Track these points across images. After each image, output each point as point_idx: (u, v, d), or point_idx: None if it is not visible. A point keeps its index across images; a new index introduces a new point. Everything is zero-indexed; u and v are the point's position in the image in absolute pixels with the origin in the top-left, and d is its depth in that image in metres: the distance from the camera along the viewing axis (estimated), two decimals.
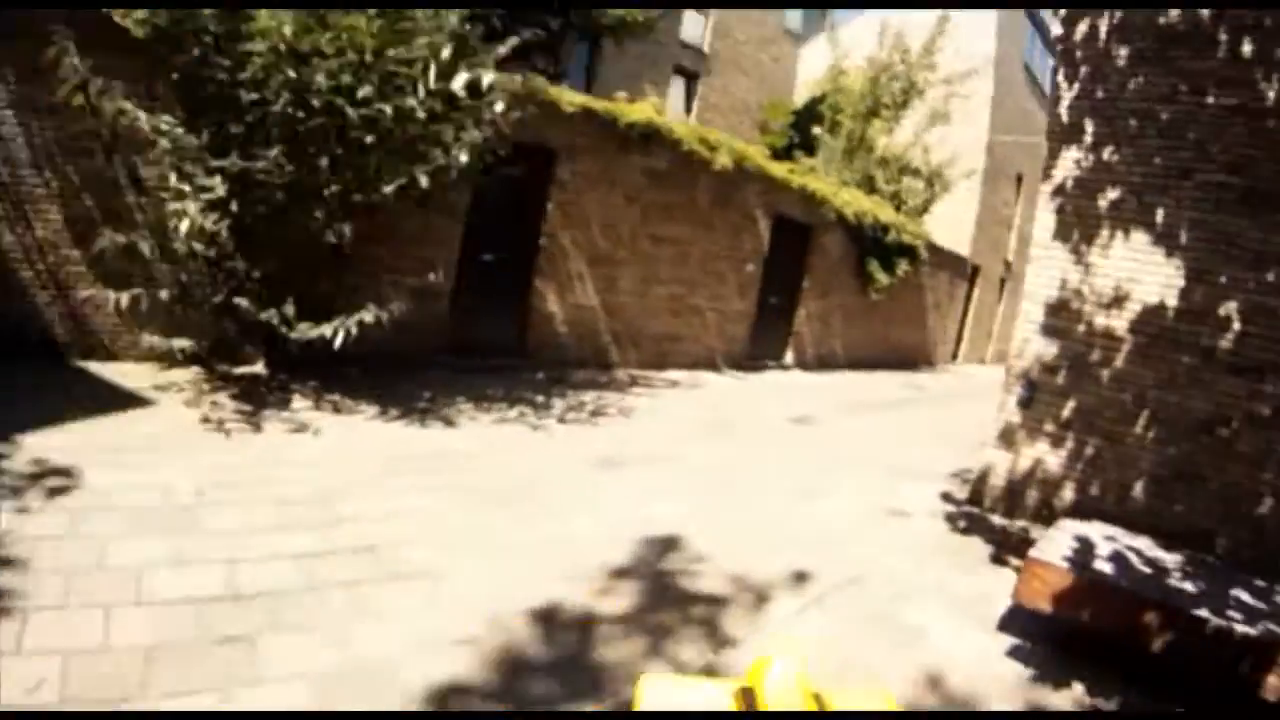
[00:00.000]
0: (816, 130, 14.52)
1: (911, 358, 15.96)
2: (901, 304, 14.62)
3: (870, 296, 13.19)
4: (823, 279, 12.15)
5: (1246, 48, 4.60)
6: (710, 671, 2.82)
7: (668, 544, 3.90)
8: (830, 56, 14.79)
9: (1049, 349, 5.31)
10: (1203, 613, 3.01)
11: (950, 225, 16.94)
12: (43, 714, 2.01)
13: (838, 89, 14.21)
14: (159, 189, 4.96)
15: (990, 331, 21.00)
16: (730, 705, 1.29)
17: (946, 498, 5.92)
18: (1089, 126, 5.18)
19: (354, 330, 4.99)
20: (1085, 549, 3.65)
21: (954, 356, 18.72)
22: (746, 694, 1.27)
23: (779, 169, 10.60)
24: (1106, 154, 5.12)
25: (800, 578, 3.76)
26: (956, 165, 15.19)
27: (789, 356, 11.94)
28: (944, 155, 15.00)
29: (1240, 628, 2.92)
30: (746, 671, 1.32)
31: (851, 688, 1.85)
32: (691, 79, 16.80)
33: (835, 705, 1.30)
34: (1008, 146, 18.54)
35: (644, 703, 1.33)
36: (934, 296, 16.28)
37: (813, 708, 1.23)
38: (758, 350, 11.12)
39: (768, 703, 1.21)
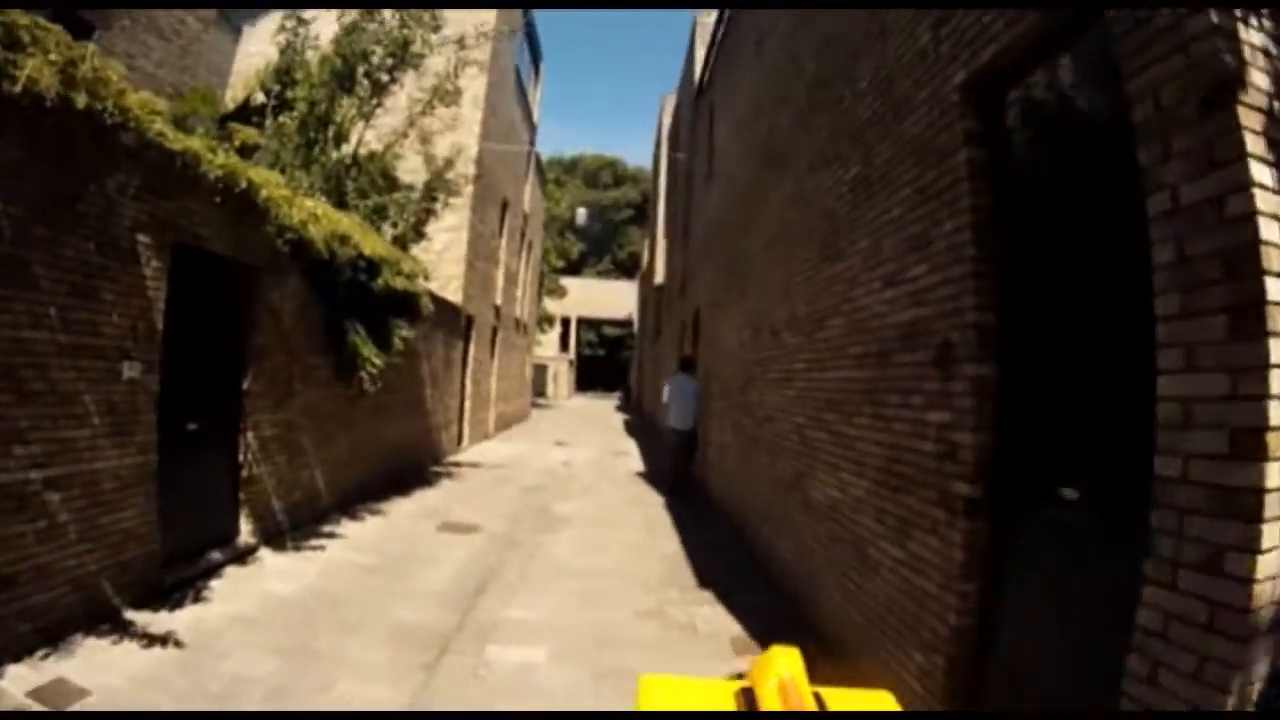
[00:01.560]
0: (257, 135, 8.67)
1: (415, 458, 11.42)
2: (396, 385, 9.94)
3: (358, 388, 8.17)
4: (278, 368, 6.75)
5: None
6: None
7: None
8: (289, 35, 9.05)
9: None
10: None
11: (430, 260, 12.83)
12: (44, 714, 1.98)
13: (296, 66, 8.72)
14: None
15: (489, 395, 17.74)
16: (730, 705, 1.29)
17: None
18: None
19: None
20: None
21: (459, 440, 14.79)
22: (746, 694, 1.27)
23: (182, 139, 4.89)
24: None
25: None
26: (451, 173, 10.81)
27: (247, 527, 6.22)
28: (440, 155, 10.62)
29: None
30: (746, 671, 1.29)
31: (851, 689, 1.69)
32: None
33: (835, 705, 1.27)
34: (496, 162, 15.32)
35: (644, 703, 1.30)
36: (430, 365, 12.01)
37: (813, 708, 1.22)
38: (181, 539, 5.18)
39: (767, 703, 1.18)
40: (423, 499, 9.28)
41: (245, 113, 9.03)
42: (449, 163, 10.08)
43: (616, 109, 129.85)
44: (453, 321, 13.70)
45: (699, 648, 4.69)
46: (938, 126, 3.65)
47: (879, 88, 4.51)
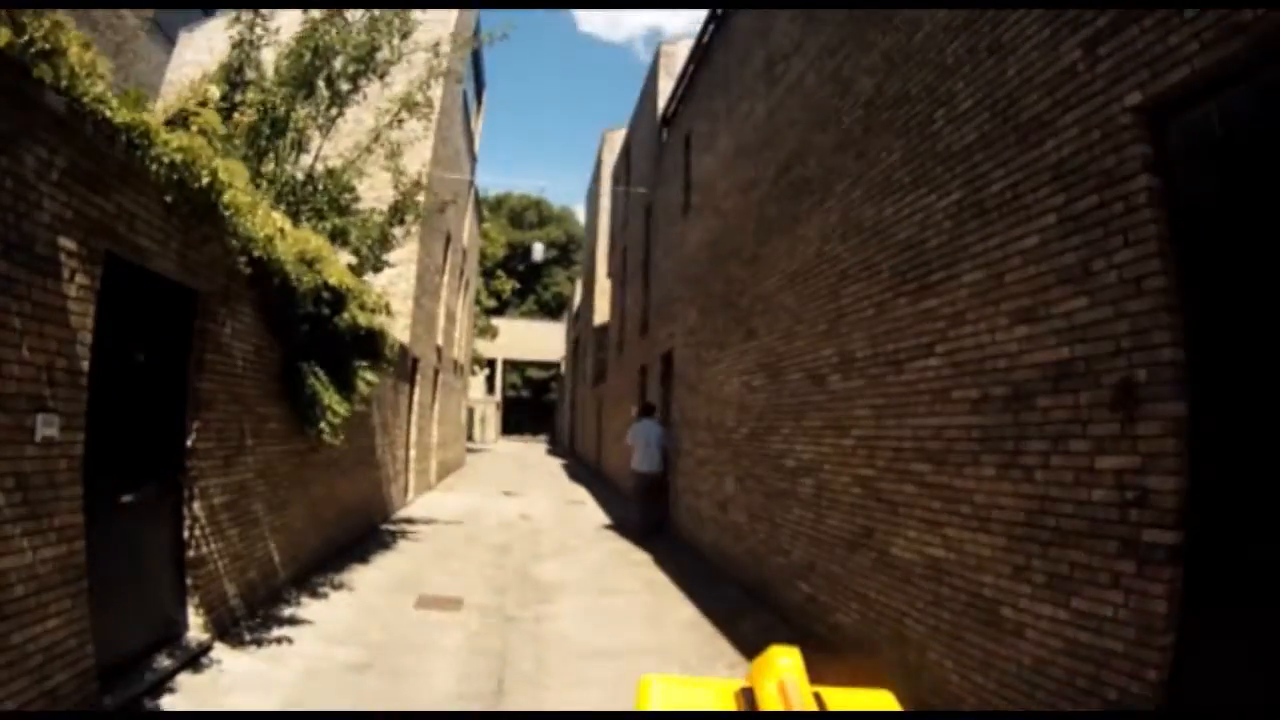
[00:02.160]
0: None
1: (367, 517, 10.15)
2: (349, 436, 8.76)
3: (316, 441, 6.96)
4: (228, 420, 5.54)
5: None
6: None
7: None
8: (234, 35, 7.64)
9: None
10: None
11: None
12: (51, 714, 1.91)
13: (250, 64, 7.46)
14: None
15: (431, 442, 16.40)
16: (730, 705, 1.27)
17: None
18: None
19: None
20: None
21: (406, 492, 13.46)
22: (746, 694, 1.25)
23: (127, 111, 3.71)
24: None
25: None
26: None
27: (197, 620, 4.97)
28: (399, 176, 9.37)
29: None
30: (747, 672, 1.28)
31: (852, 689, 1.67)
32: None
33: (835, 705, 1.25)
34: (443, 192, 14.23)
35: (644, 702, 1.28)
36: (381, 413, 10.79)
37: (813, 708, 1.20)
38: (117, 643, 3.94)
39: (767, 703, 1.16)
40: (386, 566, 8.06)
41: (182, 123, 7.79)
42: (418, 184, 9.00)
43: (536, 146, 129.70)
44: (401, 364, 12.52)
45: None
46: (1098, 150, 3.27)
47: (993, 108, 3.99)
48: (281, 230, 5.64)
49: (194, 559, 4.98)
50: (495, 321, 40.37)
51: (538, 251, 25.57)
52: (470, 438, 38.38)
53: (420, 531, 10.44)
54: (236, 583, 5.58)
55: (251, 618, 5.60)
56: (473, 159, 20.93)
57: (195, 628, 4.92)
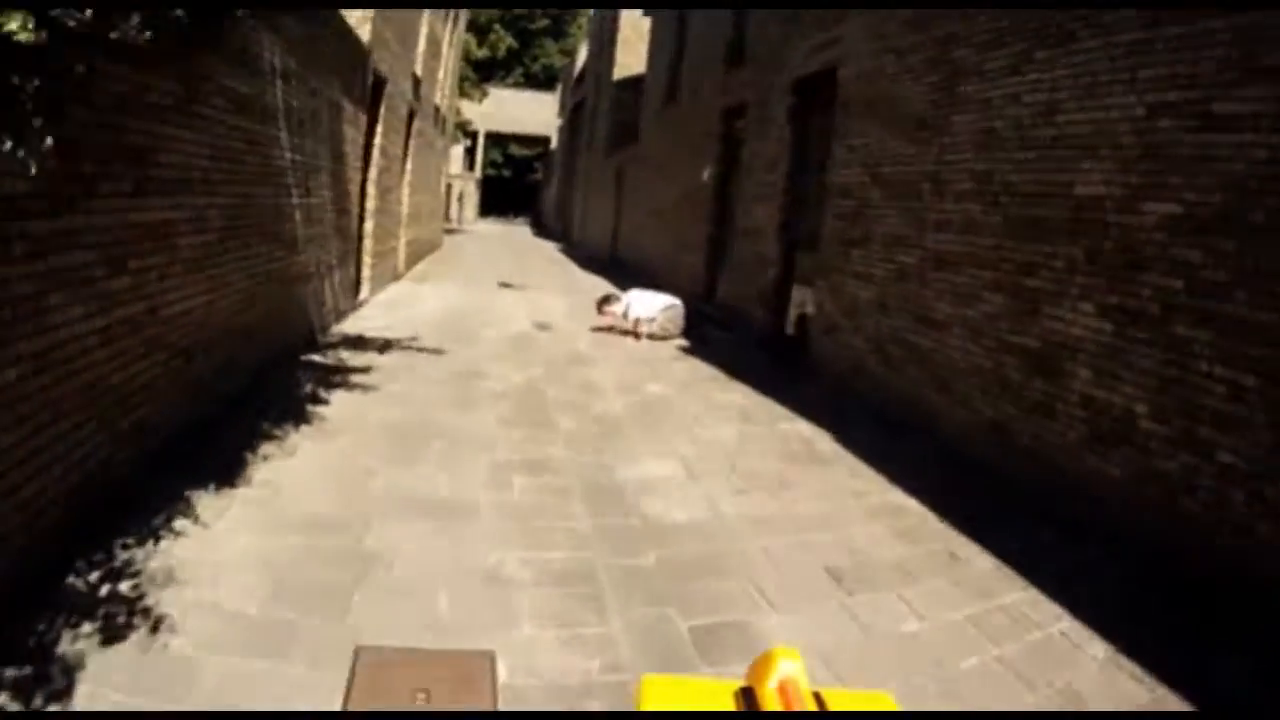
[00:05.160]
0: None
1: (275, 338, 5.44)
2: (202, 179, 3.87)
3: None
4: None
5: None
6: None
7: None
8: None
9: None
10: None
11: None
12: (49, 714, 1.86)
13: None
14: None
15: (400, 213, 11.32)
16: (730, 705, 1.26)
17: None
18: None
19: None
20: None
21: (357, 288, 8.64)
22: (746, 694, 1.24)
23: None
24: None
25: None
26: None
27: None
28: None
29: None
30: (746, 671, 1.24)
31: (852, 689, 1.74)
32: None
33: (835, 705, 1.23)
34: None
35: (644, 703, 1.27)
36: (299, 142, 5.71)
37: (813, 708, 1.18)
38: None
39: (767, 703, 1.17)
40: (296, 479, 3.49)
41: None
42: None
43: None
44: (349, 73, 7.20)
45: None
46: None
47: None
48: None
49: None
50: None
51: None
52: (446, 216, 32.90)
53: (373, 369, 5.75)
54: None
55: None
56: None
57: None
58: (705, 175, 10.36)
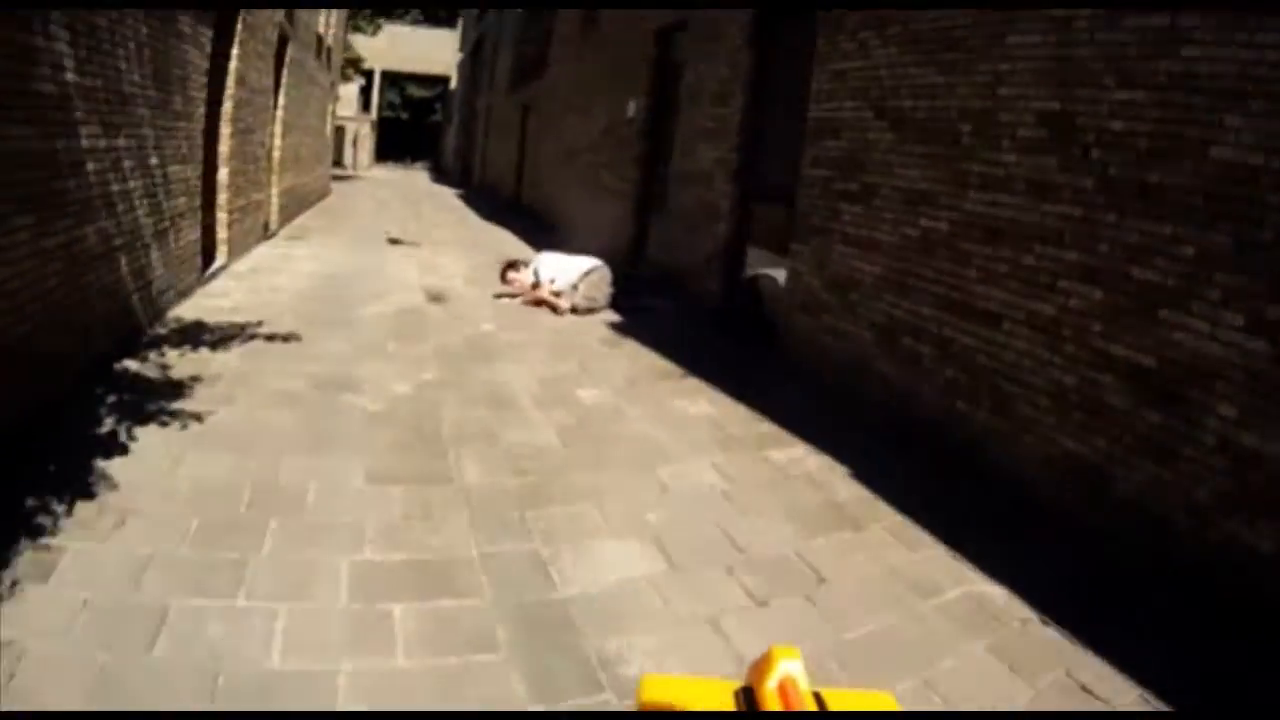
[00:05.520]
0: None
1: (64, 344, 3.77)
2: None
3: None
4: None
5: None
6: None
7: None
8: None
9: None
10: None
11: None
12: (43, 714, 1.75)
13: None
14: None
15: (270, 157, 9.30)
16: (730, 705, 1.21)
17: None
18: None
19: None
20: None
21: (211, 253, 6.81)
22: (746, 693, 1.19)
23: None
24: None
25: None
26: None
27: None
28: None
29: None
30: (746, 671, 1.20)
31: (852, 689, 1.65)
32: None
33: (835, 705, 1.18)
34: None
35: (644, 702, 1.24)
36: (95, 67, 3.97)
37: (813, 708, 1.14)
38: None
39: (767, 703, 1.12)
40: (33, 646, 1.98)
41: None
42: None
43: None
44: None
45: None
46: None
47: None
48: None
49: None
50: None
51: None
52: (339, 162, 29.90)
53: (202, 381, 4.09)
54: None
55: None
56: None
57: None
58: (631, 109, 8.87)
